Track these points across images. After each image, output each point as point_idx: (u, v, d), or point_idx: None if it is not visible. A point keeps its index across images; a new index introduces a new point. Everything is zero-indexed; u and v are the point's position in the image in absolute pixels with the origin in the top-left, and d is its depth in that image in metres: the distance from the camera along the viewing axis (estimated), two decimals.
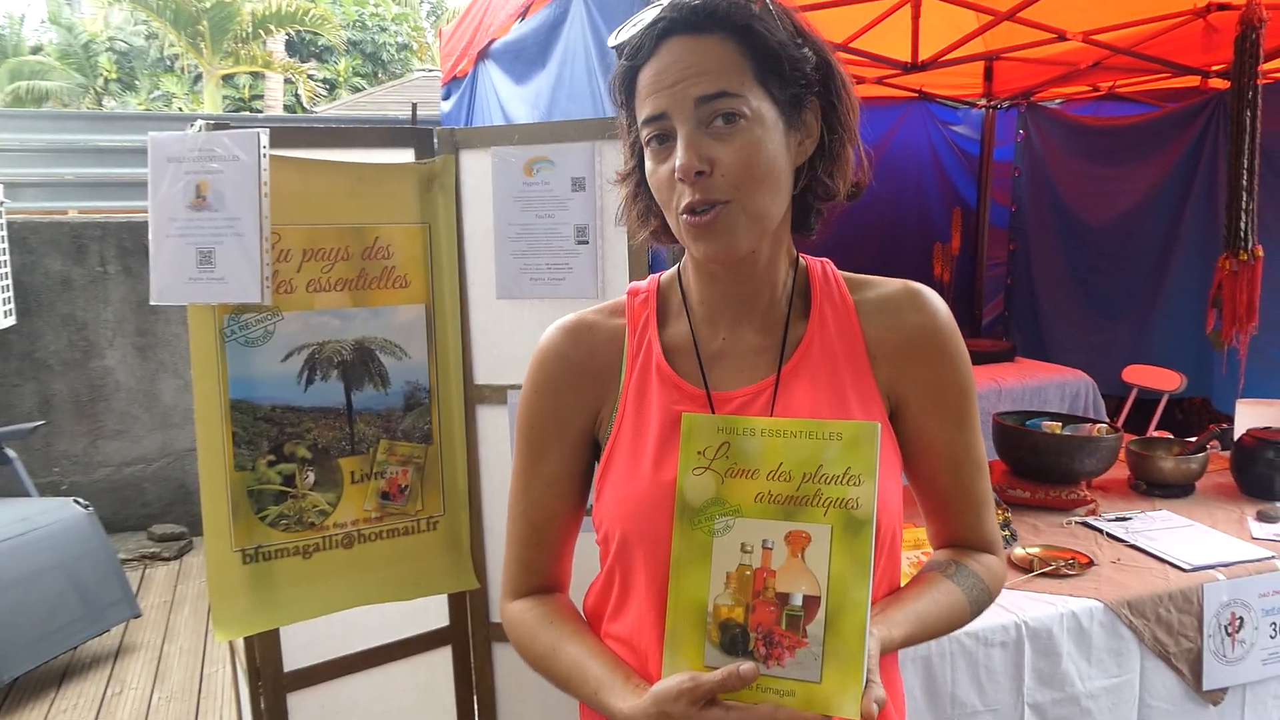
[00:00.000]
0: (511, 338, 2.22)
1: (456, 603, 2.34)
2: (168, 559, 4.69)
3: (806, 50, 1.02)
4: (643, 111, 1.01)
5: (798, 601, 0.93)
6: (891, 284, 1.13)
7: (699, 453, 0.98)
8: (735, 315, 1.10)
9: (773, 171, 1.00)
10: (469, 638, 2.35)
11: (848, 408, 1.06)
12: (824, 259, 1.16)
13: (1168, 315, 5.01)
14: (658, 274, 1.19)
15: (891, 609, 1.03)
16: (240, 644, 2.21)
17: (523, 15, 3.47)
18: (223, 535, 2.01)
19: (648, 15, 1.00)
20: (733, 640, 0.93)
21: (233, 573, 2.02)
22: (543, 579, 1.18)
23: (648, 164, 1.03)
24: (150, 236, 1.97)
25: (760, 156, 0.98)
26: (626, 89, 1.04)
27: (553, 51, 2.98)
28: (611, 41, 1.06)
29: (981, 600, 1.12)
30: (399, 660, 2.31)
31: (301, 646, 2.19)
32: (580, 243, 2.14)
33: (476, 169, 2.19)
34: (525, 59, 3.34)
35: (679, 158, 0.97)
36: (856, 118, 1.06)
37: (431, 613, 2.32)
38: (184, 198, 1.95)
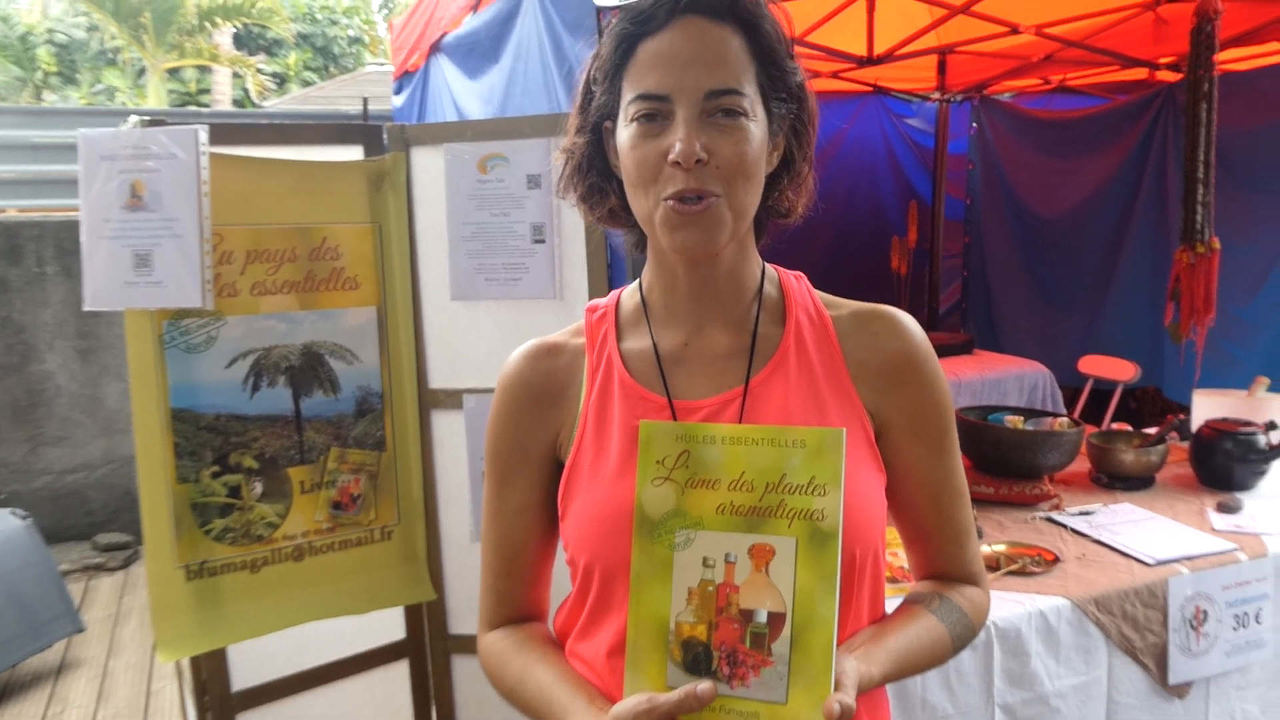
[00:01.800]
0: (467, 340, 2.16)
1: (413, 614, 2.27)
2: (113, 569, 4.54)
3: (795, 66, 1.01)
4: (639, 85, 0.95)
5: (762, 618, 0.88)
6: (866, 306, 1.09)
7: (657, 462, 0.93)
8: (700, 317, 1.05)
9: (759, 172, 0.98)
10: (427, 650, 2.28)
11: (828, 421, 1.01)
12: (797, 272, 1.12)
13: (1119, 306, 5.06)
14: (619, 289, 1.14)
15: (871, 645, 0.98)
16: (186, 662, 2.12)
17: (474, 8, 3.40)
18: (165, 551, 1.93)
19: None
20: (695, 659, 0.89)
21: (176, 590, 1.94)
22: (518, 609, 1.14)
23: (626, 139, 0.97)
24: (83, 238, 1.88)
25: (752, 155, 0.96)
26: (623, 53, 0.97)
27: (506, 45, 2.91)
28: (603, 1, 1.01)
29: (964, 635, 1.08)
30: (354, 676, 2.24)
31: (251, 663, 2.12)
32: (537, 242, 2.08)
33: (429, 166, 2.13)
34: (478, 53, 3.27)
35: (680, 143, 0.92)
36: (814, 145, 1.05)
37: (387, 625, 2.26)
38: (118, 197, 1.86)
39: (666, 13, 0.95)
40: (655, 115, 0.94)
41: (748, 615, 0.89)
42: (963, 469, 1.11)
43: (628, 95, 0.96)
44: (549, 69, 2.44)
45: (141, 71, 17.43)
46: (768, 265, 1.11)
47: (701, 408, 1.02)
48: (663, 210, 0.95)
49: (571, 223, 2.07)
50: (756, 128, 0.96)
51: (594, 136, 1.03)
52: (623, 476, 0.99)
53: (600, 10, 1.02)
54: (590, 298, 2.06)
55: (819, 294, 1.11)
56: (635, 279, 1.13)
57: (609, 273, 2.05)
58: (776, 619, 0.88)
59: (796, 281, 1.10)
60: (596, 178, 1.05)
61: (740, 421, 1.00)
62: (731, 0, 0.96)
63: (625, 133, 0.97)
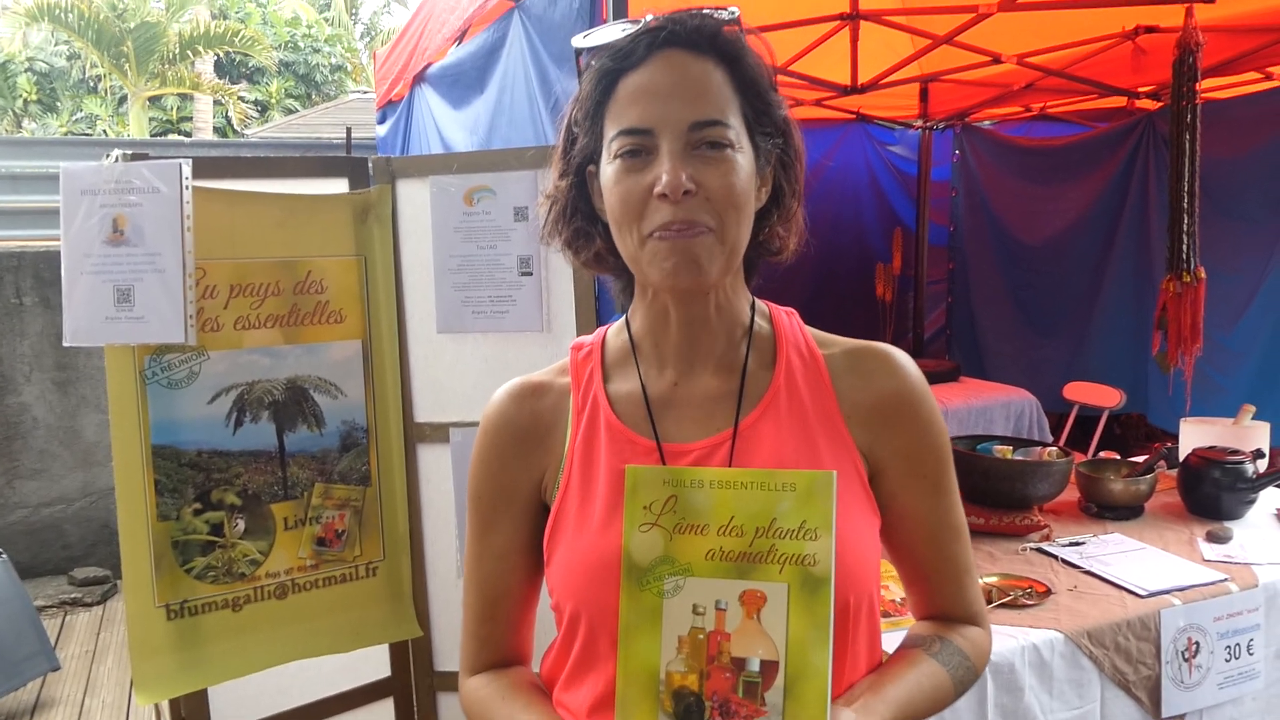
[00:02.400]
0: (453, 373, 2.14)
1: (398, 652, 2.24)
2: (90, 604, 4.46)
3: (779, 99, 1.00)
4: (621, 120, 0.94)
5: (755, 667, 0.87)
6: (859, 344, 1.07)
7: (644, 508, 0.91)
8: (689, 358, 1.03)
9: (749, 204, 0.96)
10: (412, 688, 2.24)
11: (820, 464, 0.99)
12: (789, 309, 1.10)
13: (1103, 332, 5.09)
14: (605, 325, 1.12)
15: (870, 696, 0.96)
16: (166, 702, 2.07)
17: (460, 39, 3.40)
18: (144, 590, 1.89)
19: (642, 21, 0.95)
20: (687, 710, 0.87)
21: (156, 630, 1.90)
22: (501, 654, 1.11)
23: (610, 176, 0.95)
24: (64, 274, 1.85)
25: (741, 186, 0.94)
26: (603, 91, 0.96)
27: (491, 76, 2.91)
28: (581, 42, 0.99)
29: (966, 679, 1.06)
30: (338, 715, 2.20)
31: (232, 704, 2.07)
32: (524, 274, 2.07)
33: (414, 198, 2.11)
34: (463, 83, 3.27)
35: (666, 174, 0.90)
36: (802, 181, 1.03)
37: (372, 663, 2.22)
38: (100, 232, 1.84)
39: (646, 47, 0.94)
40: (639, 150, 0.92)
41: (740, 664, 0.87)
42: (961, 507, 1.09)
43: (610, 132, 0.95)
44: (535, 101, 2.44)
45: (122, 99, 17.40)
46: (759, 301, 1.09)
47: (691, 451, 1.00)
48: (650, 246, 0.93)
49: (559, 255, 2.04)
50: (744, 160, 0.94)
51: (578, 179, 1.01)
52: (609, 523, 0.97)
53: (578, 51, 1.01)
54: (578, 330, 2.05)
55: (811, 331, 1.08)
56: (622, 311, 1.11)
57: (597, 305, 2.04)
58: (769, 667, 0.86)
59: (788, 318, 1.08)
60: (582, 222, 1.03)
61: (730, 465, 0.98)
62: (713, 33, 0.95)
63: (609, 170, 0.95)
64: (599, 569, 0.95)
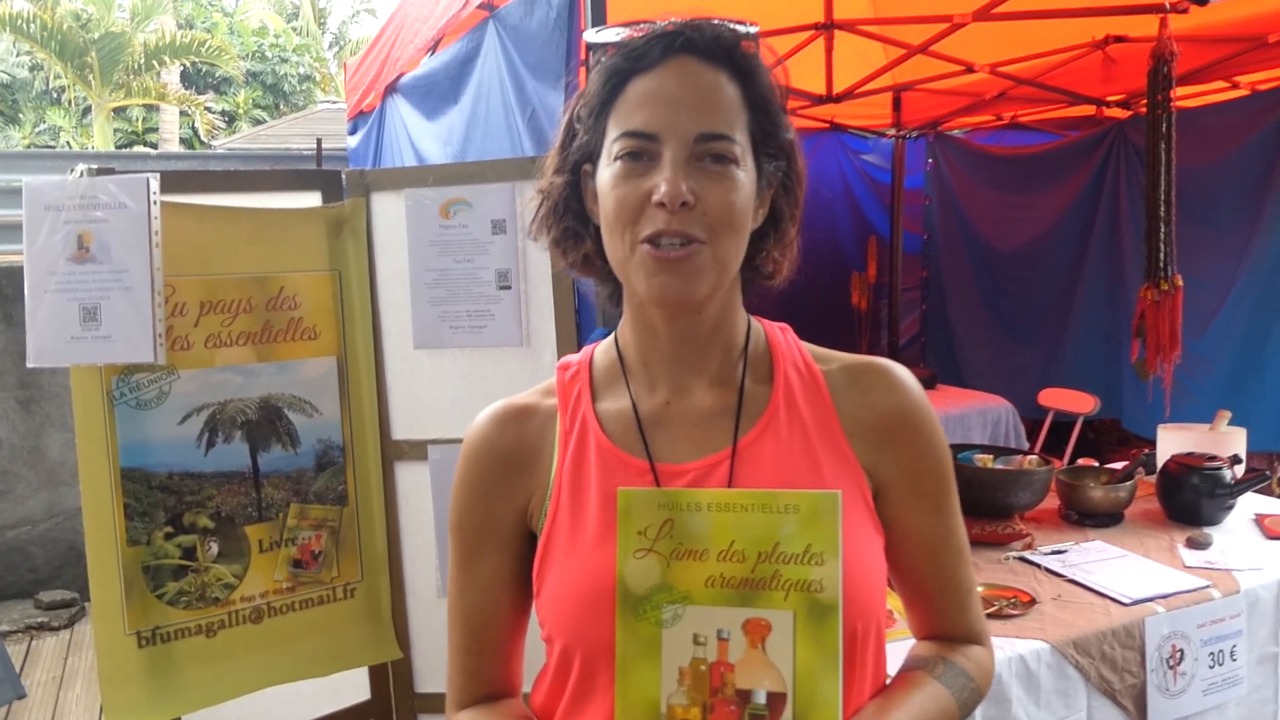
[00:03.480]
0: (431, 390, 2.10)
1: (378, 674, 2.19)
2: (57, 629, 4.36)
3: (787, 122, 0.98)
4: (626, 122, 0.91)
5: (761, 699, 0.83)
6: (858, 359, 1.04)
7: (639, 533, 0.87)
8: (681, 375, 1.00)
9: (745, 223, 0.93)
10: (393, 711, 2.20)
11: (823, 484, 0.96)
12: (782, 324, 1.07)
13: (1077, 338, 5.14)
14: (592, 344, 1.09)
15: None
16: None
17: (433, 49, 3.37)
18: (114, 617, 1.84)
19: (659, 24, 0.93)
20: None
21: (127, 658, 1.85)
22: (489, 687, 1.06)
23: (607, 178, 0.92)
24: (27, 293, 1.80)
25: (740, 204, 0.91)
26: (612, 90, 0.94)
27: (465, 87, 2.88)
28: (593, 37, 0.97)
29: (971, 701, 1.03)
30: None
31: None
32: (502, 288, 2.04)
33: (389, 212, 2.08)
34: (437, 94, 3.24)
35: (667, 183, 0.87)
36: (801, 206, 1.01)
37: (351, 685, 2.17)
38: (64, 249, 1.79)
39: (661, 51, 0.91)
40: (641, 154, 0.90)
41: (745, 696, 0.84)
42: (963, 525, 1.06)
43: (613, 132, 0.92)
44: (511, 111, 2.41)
45: (87, 111, 17.18)
46: (752, 318, 1.06)
47: (686, 472, 0.96)
48: (640, 254, 0.90)
49: (538, 268, 2.03)
50: (746, 178, 0.92)
51: (573, 177, 0.98)
52: (601, 549, 0.93)
53: (590, 46, 0.98)
54: (558, 345, 2.03)
55: (807, 347, 1.06)
56: (604, 325, 1.08)
57: (577, 319, 2.01)
58: (776, 700, 0.83)
59: (782, 334, 1.05)
60: (572, 221, 0.99)
61: (729, 486, 0.95)
62: (730, 46, 0.93)
63: (607, 172, 0.92)
64: (592, 598, 0.91)
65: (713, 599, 0.85)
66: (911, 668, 1.04)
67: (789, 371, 1.01)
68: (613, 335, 1.06)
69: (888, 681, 1.04)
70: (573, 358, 1.08)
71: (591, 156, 0.96)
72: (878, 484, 1.00)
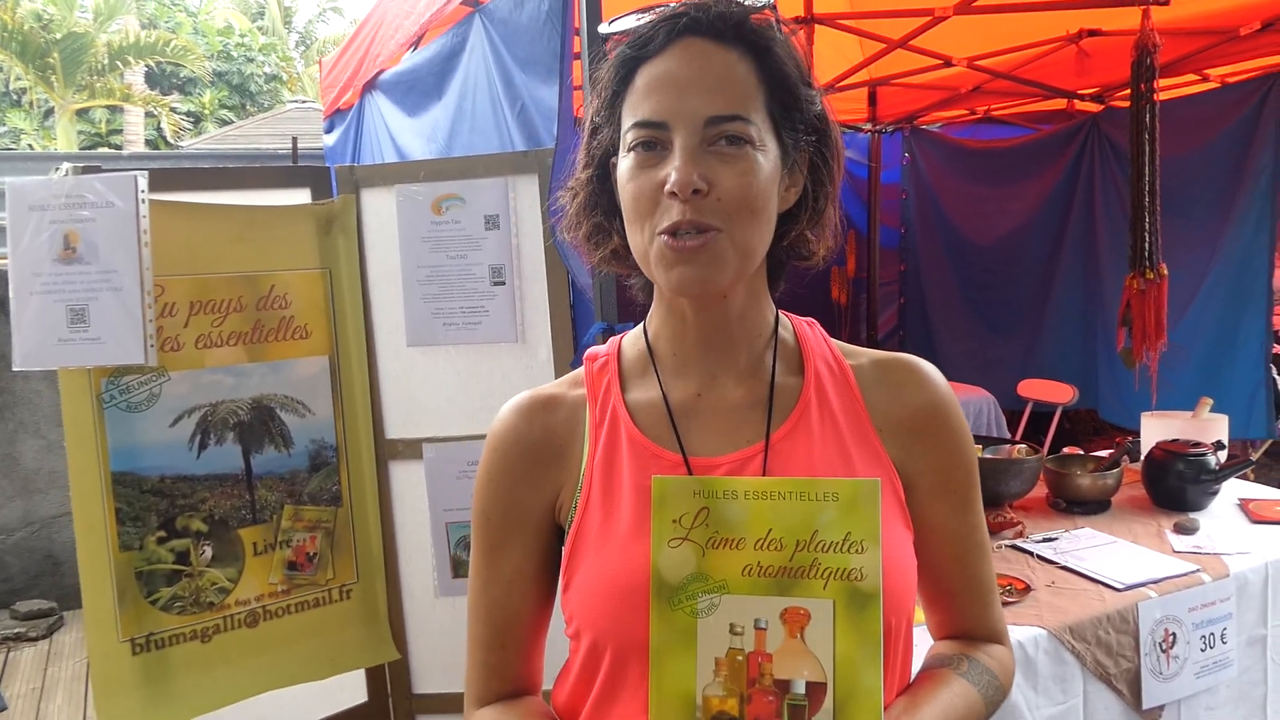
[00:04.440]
0: (425, 388, 2.08)
1: (375, 676, 2.17)
2: (35, 639, 4.27)
3: (813, 94, 0.94)
4: (636, 112, 0.89)
5: (800, 689, 0.82)
6: (886, 355, 1.03)
7: (674, 521, 0.86)
8: (712, 366, 0.98)
9: (767, 207, 0.90)
10: (390, 712, 2.18)
11: (855, 476, 0.95)
12: (809, 319, 1.06)
13: (1054, 329, 5.19)
14: (620, 334, 1.07)
15: (908, 718, 0.92)
16: None
17: (415, 44, 3.33)
18: (107, 625, 1.81)
19: (665, 7, 0.90)
20: None
21: (121, 666, 1.82)
22: (511, 684, 1.05)
23: (624, 170, 0.90)
24: (11, 294, 1.76)
25: (759, 188, 0.88)
26: (621, 80, 0.91)
27: (450, 82, 2.85)
28: (605, 28, 0.95)
29: (996, 699, 1.02)
30: None
31: None
32: (496, 284, 2.02)
33: (380, 208, 2.06)
34: (419, 90, 3.20)
35: (677, 171, 0.85)
36: (839, 181, 0.98)
37: (348, 689, 2.15)
38: (50, 250, 1.76)
39: (666, 34, 0.89)
40: (653, 144, 0.88)
41: (783, 686, 0.83)
42: (985, 523, 1.06)
43: (625, 123, 0.90)
44: (499, 106, 2.39)
45: (49, 112, 16.89)
46: (780, 311, 1.04)
47: (719, 465, 0.95)
48: (657, 246, 0.88)
49: (532, 263, 2.01)
50: (765, 159, 0.89)
51: (599, 171, 0.96)
52: (635, 542, 0.91)
53: (605, 38, 0.97)
54: (554, 340, 2.01)
55: (835, 342, 1.05)
56: (602, 319, 1.07)
57: (573, 314, 2.00)
58: (816, 690, 0.82)
59: (810, 329, 1.04)
60: (602, 217, 0.98)
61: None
62: (737, 21, 0.90)
63: (624, 164, 0.90)
64: (626, 591, 0.90)
65: (750, 588, 0.84)
66: (936, 665, 1.03)
67: (819, 365, 1.00)
68: (641, 326, 1.04)
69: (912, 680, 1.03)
70: (600, 349, 1.06)
71: (615, 149, 0.94)
72: (907, 480, 0.99)
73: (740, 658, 0.84)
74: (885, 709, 0.91)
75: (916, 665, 1.05)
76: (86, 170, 1.78)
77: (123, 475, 1.82)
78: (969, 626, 1.07)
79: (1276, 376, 4.40)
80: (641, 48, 0.90)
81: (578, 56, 1.93)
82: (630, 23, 0.92)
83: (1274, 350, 4.33)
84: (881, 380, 1.00)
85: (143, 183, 1.76)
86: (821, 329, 1.06)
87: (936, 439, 0.99)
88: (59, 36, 14.41)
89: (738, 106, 0.88)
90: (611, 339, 1.06)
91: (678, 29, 0.89)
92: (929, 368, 1.02)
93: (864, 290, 5.73)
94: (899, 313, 6.13)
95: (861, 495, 0.85)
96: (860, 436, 0.97)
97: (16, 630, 4.26)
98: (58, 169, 1.79)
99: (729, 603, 0.85)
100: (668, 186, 0.86)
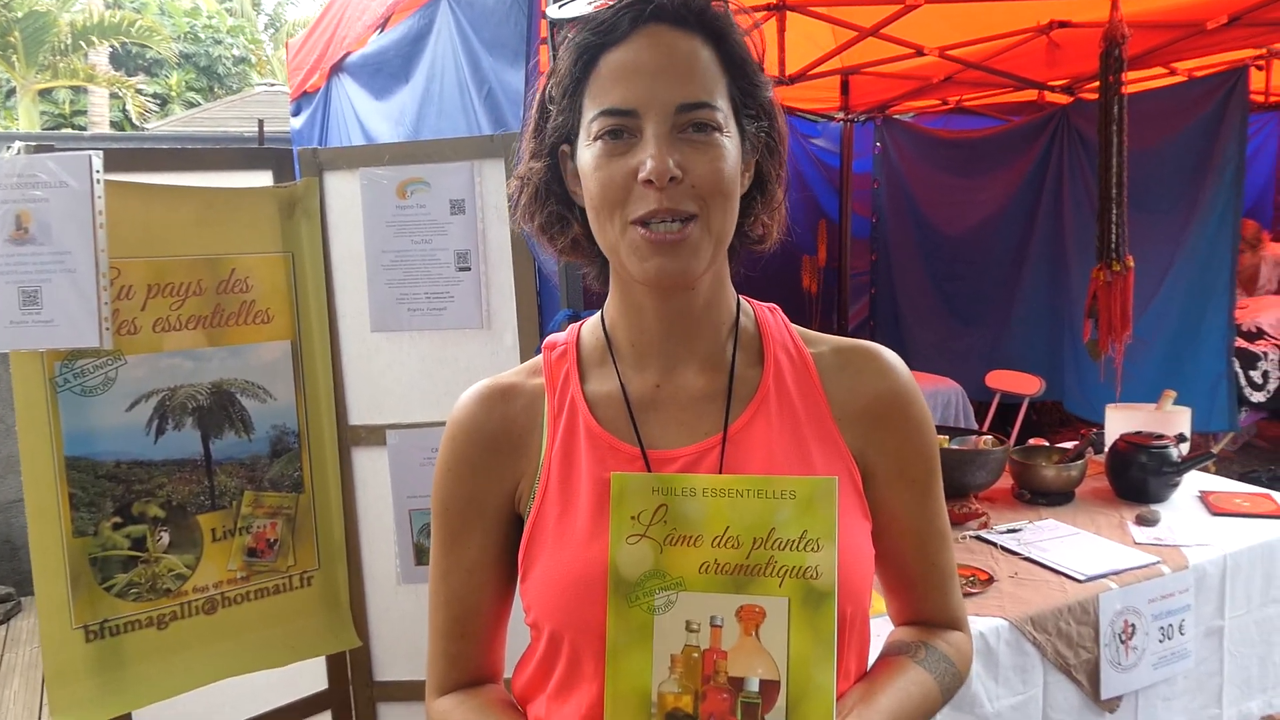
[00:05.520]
0: (389, 374, 2.06)
1: (335, 663, 2.15)
2: None
3: (765, 80, 0.95)
4: (603, 100, 0.88)
5: (754, 687, 0.82)
6: (848, 342, 1.03)
7: (632, 518, 0.86)
8: (671, 357, 0.97)
9: (736, 191, 0.90)
10: (351, 700, 2.16)
11: (813, 470, 0.94)
12: (771, 304, 1.06)
13: (1022, 321, 5.23)
14: (578, 322, 1.06)
15: (863, 708, 0.92)
16: None
17: (382, 26, 3.29)
18: (60, 611, 1.78)
19: None
20: None
21: (74, 653, 1.78)
22: (471, 672, 1.04)
23: (589, 159, 0.89)
24: None
25: (729, 173, 0.88)
26: (583, 67, 0.90)
27: (417, 65, 2.81)
28: (556, 12, 0.93)
29: (953, 686, 1.02)
30: None
31: None
32: (462, 269, 2.00)
33: (344, 192, 2.03)
34: (386, 73, 3.16)
35: (651, 159, 0.84)
36: (786, 167, 0.99)
37: (308, 676, 2.13)
38: (2, 230, 1.72)
39: (630, 22, 0.88)
40: (621, 132, 0.87)
41: (737, 684, 0.83)
42: (946, 511, 1.06)
43: (590, 112, 0.89)
44: (466, 89, 2.36)
45: (10, 93, 16.57)
46: (742, 298, 1.04)
47: (677, 458, 0.94)
48: (631, 236, 0.87)
49: (498, 249, 1.99)
50: (731, 144, 0.89)
51: (551, 160, 0.95)
52: (593, 535, 0.91)
53: (554, 24, 0.95)
54: (519, 327, 2.00)
55: (797, 329, 1.04)
56: (568, 306, 1.05)
57: (539, 300, 1.98)
58: (769, 687, 0.82)
59: (772, 315, 1.04)
60: (556, 205, 0.96)
61: (720, 472, 0.93)
62: (700, 8, 0.89)
63: (588, 153, 0.89)
64: (582, 585, 0.89)
65: (706, 585, 0.84)
66: (893, 653, 1.03)
67: (779, 354, 1.00)
68: (599, 314, 1.03)
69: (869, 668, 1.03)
70: (559, 337, 1.05)
71: (569, 137, 0.93)
72: (866, 468, 0.99)
73: (696, 655, 0.83)
74: (840, 696, 0.92)
75: (875, 654, 1.05)
76: (40, 149, 1.74)
77: (77, 460, 1.78)
78: (929, 613, 1.07)
79: (1238, 369, 4.46)
80: (605, 35, 0.89)
81: (545, 41, 1.91)
82: (581, 8, 0.91)
83: (1236, 343, 4.38)
84: (842, 368, 1.00)
85: (97, 163, 1.72)
86: (783, 315, 1.05)
87: (895, 427, 0.99)
88: (20, 15, 14.10)
89: (705, 94, 0.88)
90: (570, 326, 1.05)
91: (643, 16, 0.88)
92: (890, 356, 1.02)
93: (835, 280, 5.75)
94: (870, 302, 6.15)
95: (818, 493, 0.85)
96: (819, 426, 0.97)
97: None
98: (8, 148, 1.75)
99: (685, 600, 0.84)
100: (642, 175, 0.85)
